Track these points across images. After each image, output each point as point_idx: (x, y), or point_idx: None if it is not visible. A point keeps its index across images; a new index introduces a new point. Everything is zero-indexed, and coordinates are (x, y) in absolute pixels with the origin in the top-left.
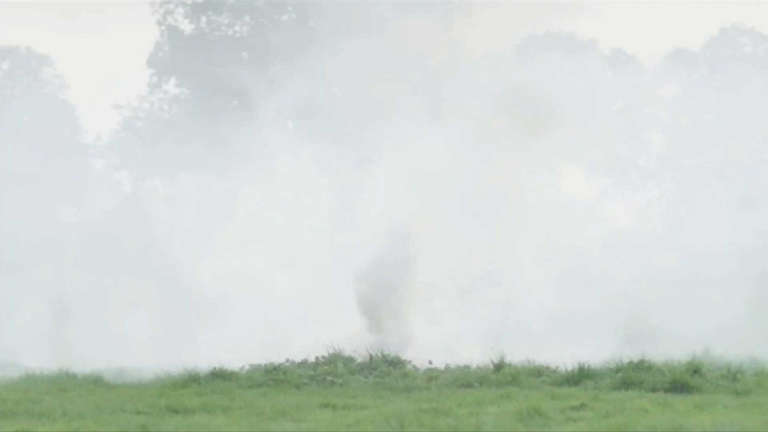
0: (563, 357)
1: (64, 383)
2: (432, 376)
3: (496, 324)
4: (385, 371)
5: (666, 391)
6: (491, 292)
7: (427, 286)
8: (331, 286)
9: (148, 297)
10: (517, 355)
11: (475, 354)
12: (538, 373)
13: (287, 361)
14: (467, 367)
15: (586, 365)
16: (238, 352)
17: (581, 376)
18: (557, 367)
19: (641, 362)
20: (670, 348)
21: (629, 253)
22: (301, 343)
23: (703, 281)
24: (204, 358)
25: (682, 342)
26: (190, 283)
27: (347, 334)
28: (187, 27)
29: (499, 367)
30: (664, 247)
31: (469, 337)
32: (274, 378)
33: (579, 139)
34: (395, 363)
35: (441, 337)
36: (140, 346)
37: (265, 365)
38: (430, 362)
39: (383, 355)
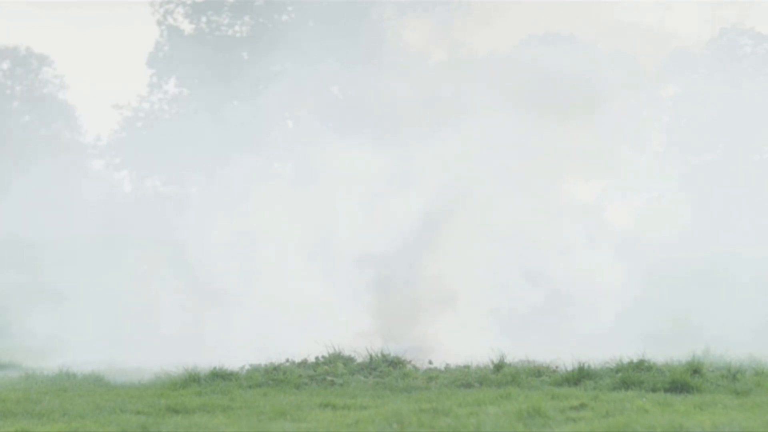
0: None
1: (64, 383)
2: (432, 376)
3: (539, 322)
4: (385, 371)
5: (666, 391)
6: (532, 289)
7: (459, 282)
8: (350, 283)
9: (160, 292)
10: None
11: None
12: (538, 373)
13: (287, 361)
14: (467, 367)
15: (586, 365)
16: (250, 349)
17: (581, 376)
18: (557, 367)
19: (641, 362)
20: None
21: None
22: (305, 342)
23: (735, 280)
24: (208, 357)
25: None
26: (205, 280)
27: (367, 334)
28: (187, 27)
29: (498, 367)
30: (684, 246)
31: (509, 339)
32: (274, 378)
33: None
34: (395, 363)
35: (471, 338)
36: (162, 342)
37: (265, 365)
38: (430, 362)
39: (383, 355)
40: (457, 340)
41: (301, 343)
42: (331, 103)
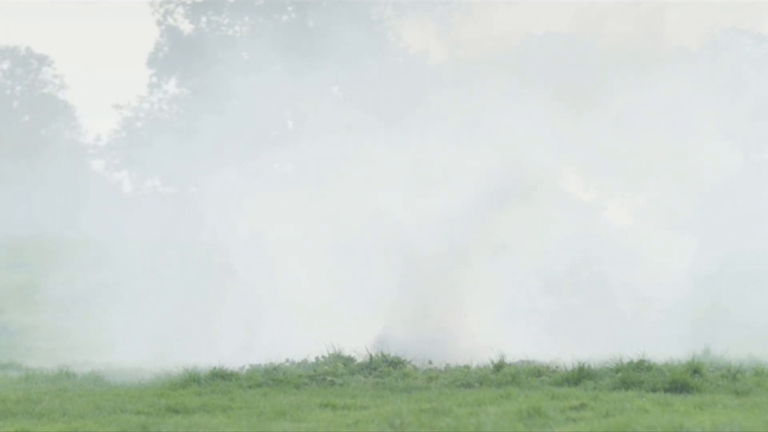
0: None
1: (64, 383)
2: (432, 376)
3: (583, 316)
4: (385, 371)
5: (666, 391)
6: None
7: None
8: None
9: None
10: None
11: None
12: (538, 373)
13: (287, 361)
14: (467, 367)
15: (586, 365)
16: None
17: (581, 376)
18: (557, 367)
19: (641, 362)
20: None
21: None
22: (304, 343)
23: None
24: (212, 357)
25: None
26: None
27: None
28: (187, 27)
29: (499, 367)
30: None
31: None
32: (274, 378)
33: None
34: (395, 363)
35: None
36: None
37: (265, 365)
38: (430, 362)
39: (383, 355)
40: (499, 336)
41: (341, 339)
42: (360, 97)
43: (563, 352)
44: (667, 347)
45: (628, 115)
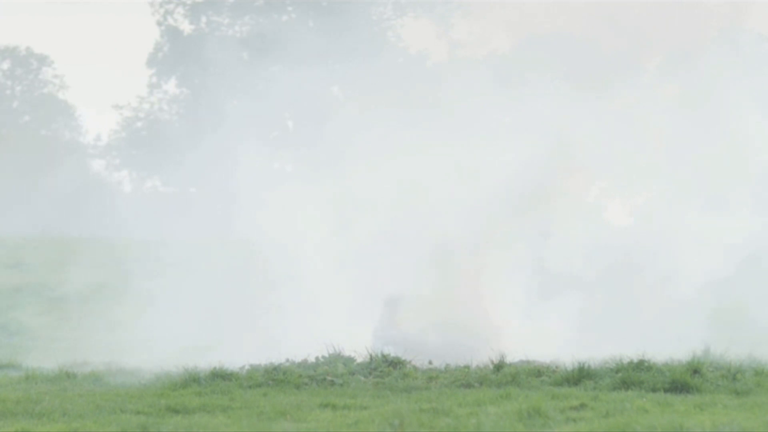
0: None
1: (64, 383)
2: (432, 376)
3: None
4: (385, 371)
5: (666, 391)
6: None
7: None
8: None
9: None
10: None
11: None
12: (538, 373)
13: (287, 361)
14: (467, 367)
15: (586, 365)
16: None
17: (581, 376)
18: (557, 367)
19: (641, 362)
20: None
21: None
22: (304, 342)
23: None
24: (214, 358)
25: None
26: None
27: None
28: (187, 27)
29: (498, 367)
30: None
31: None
32: (274, 378)
33: None
34: (395, 363)
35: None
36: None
37: (265, 365)
38: (430, 362)
39: (383, 355)
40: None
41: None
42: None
43: (588, 350)
44: (687, 345)
45: (658, 104)
